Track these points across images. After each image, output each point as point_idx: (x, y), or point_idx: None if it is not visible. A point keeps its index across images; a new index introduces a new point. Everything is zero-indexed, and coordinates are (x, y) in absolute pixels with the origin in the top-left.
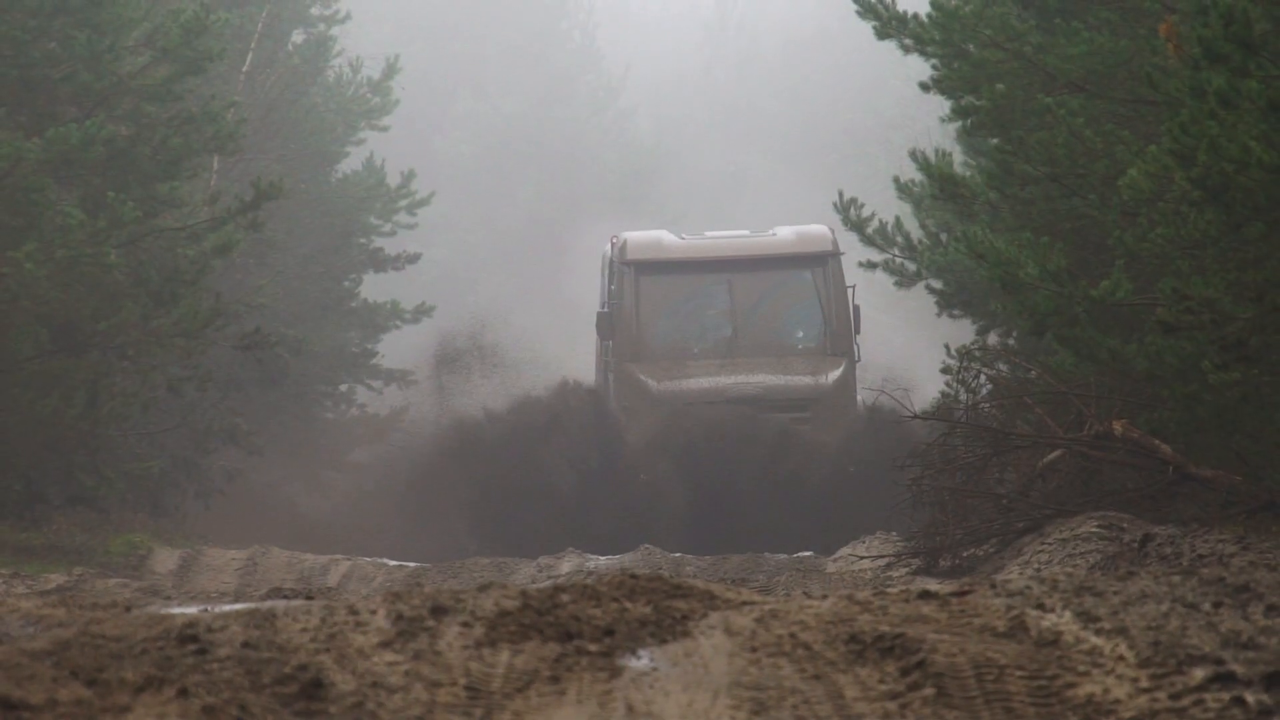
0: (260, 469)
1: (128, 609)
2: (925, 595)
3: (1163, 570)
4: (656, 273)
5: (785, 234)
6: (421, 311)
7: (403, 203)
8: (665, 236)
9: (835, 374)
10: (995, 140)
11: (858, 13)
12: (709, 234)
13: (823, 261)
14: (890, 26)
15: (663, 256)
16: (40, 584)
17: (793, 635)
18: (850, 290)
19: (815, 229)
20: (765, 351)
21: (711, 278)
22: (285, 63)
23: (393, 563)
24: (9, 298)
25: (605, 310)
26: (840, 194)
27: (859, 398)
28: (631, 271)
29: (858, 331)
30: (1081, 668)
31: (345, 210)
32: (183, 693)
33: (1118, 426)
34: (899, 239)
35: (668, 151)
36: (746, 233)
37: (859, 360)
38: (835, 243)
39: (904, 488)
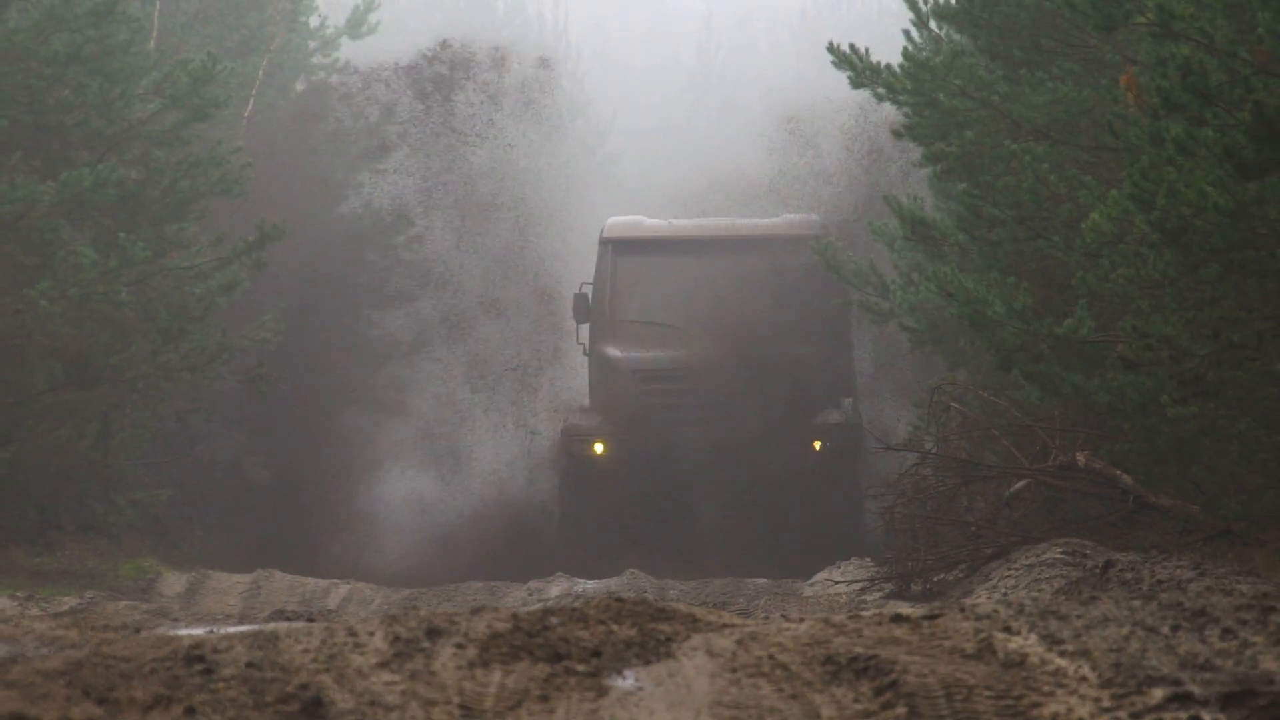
0: (264, 497)
1: (137, 630)
2: (898, 618)
3: (1124, 595)
4: (634, 252)
5: (771, 219)
6: (419, 345)
7: (399, 239)
8: (647, 219)
9: (801, 349)
10: (964, 185)
11: (833, 63)
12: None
13: (806, 244)
14: (864, 76)
15: (640, 235)
16: (54, 606)
17: (771, 656)
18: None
19: (805, 216)
20: (739, 331)
21: (690, 258)
22: (287, 109)
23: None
24: (24, 334)
25: (581, 292)
26: (817, 236)
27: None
28: (609, 250)
29: (845, 333)
30: (1046, 688)
31: (344, 249)
32: (189, 711)
33: (1081, 458)
34: (873, 278)
35: (654, 195)
36: (732, 219)
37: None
38: (823, 228)
39: (877, 515)
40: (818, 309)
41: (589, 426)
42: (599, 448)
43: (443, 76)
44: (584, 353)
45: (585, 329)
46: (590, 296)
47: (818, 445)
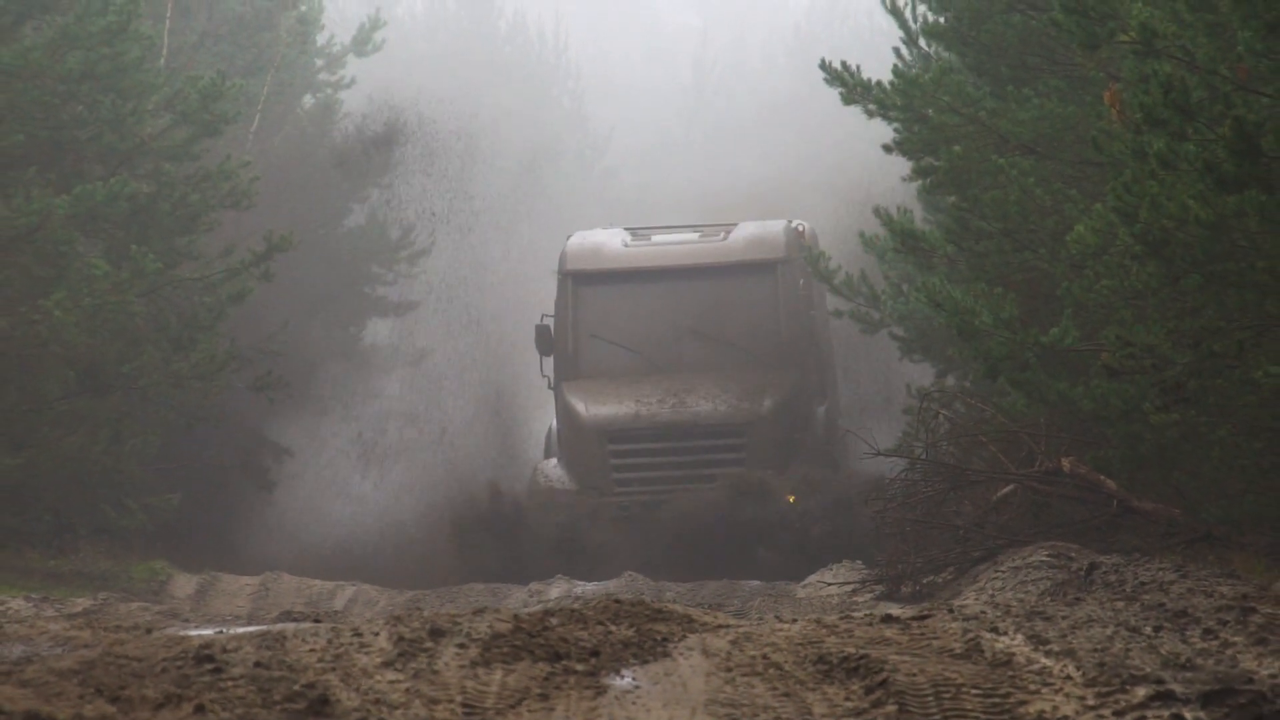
0: (272, 501)
1: (148, 631)
2: (888, 619)
3: (1108, 596)
4: (596, 283)
5: (735, 239)
6: (422, 355)
7: (404, 253)
8: (608, 244)
9: (775, 398)
10: (952, 198)
11: (826, 80)
12: (657, 238)
13: (772, 269)
14: (855, 93)
15: (603, 266)
16: (68, 608)
17: (765, 656)
18: (806, 287)
19: (770, 232)
20: (710, 367)
21: (655, 288)
22: (295, 124)
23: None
24: (39, 343)
25: (543, 324)
26: (809, 248)
27: (821, 410)
28: (570, 282)
29: (822, 336)
30: (1032, 686)
31: (350, 261)
32: (199, 709)
33: (1066, 463)
34: (864, 289)
35: (649, 208)
36: (696, 236)
37: (819, 369)
38: (792, 245)
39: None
40: (791, 334)
41: (556, 490)
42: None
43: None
44: (548, 386)
45: (549, 361)
46: (552, 329)
47: (792, 499)
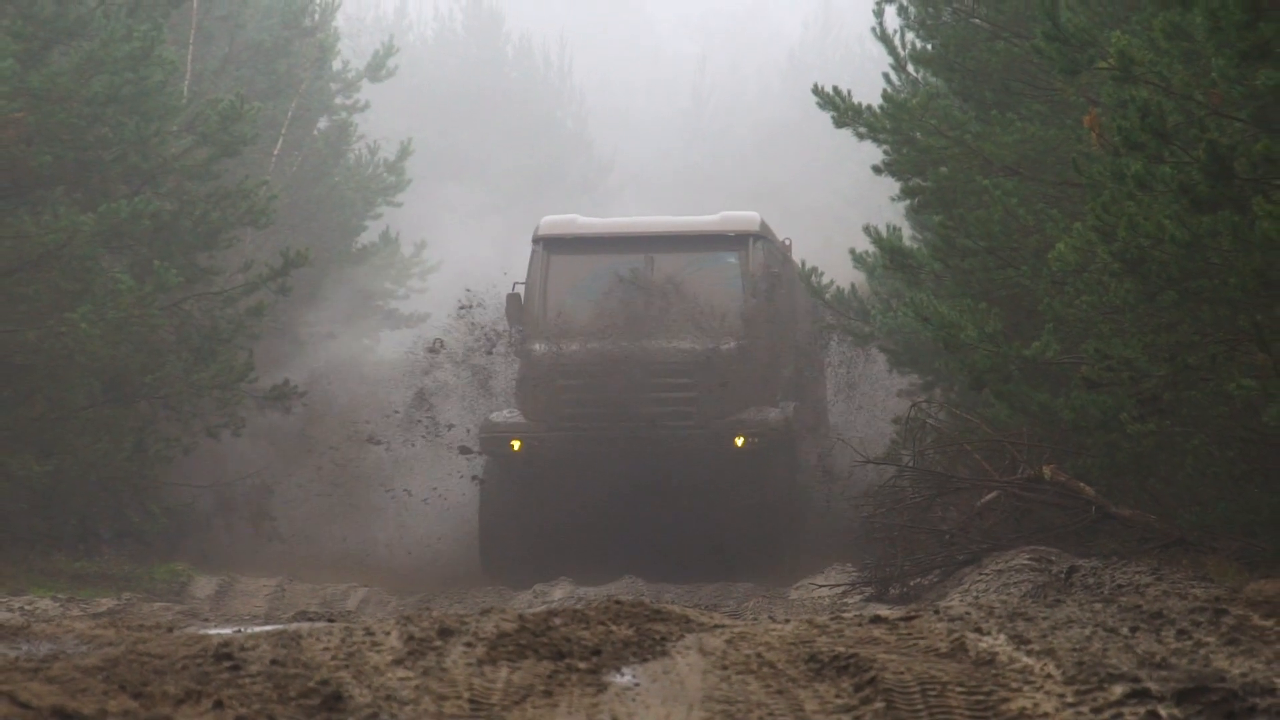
0: (289, 506)
1: (170, 630)
2: (876, 620)
3: (1086, 598)
4: (567, 250)
5: (711, 215)
6: (431, 365)
7: (415, 269)
8: (581, 217)
9: (732, 345)
10: (939, 217)
11: (818, 104)
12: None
13: (743, 243)
14: (847, 116)
15: (574, 233)
16: (92, 608)
17: (759, 655)
18: (786, 280)
19: (745, 213)
20: (667, 326)
21: (625, 257)
22: (311, 146)
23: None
24: (66, 354)
25: (514, 292)
26: (803, 263)
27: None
28: (542, 249)
29: (793, 322)
30: (1014, 685)
31: (364, 276)
32: (218, 705)
33: (1047, 471)
34: (854, 304)
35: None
36: (671, 217)
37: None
38: (767, 230)
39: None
40: (757, 307)
41: (507, 424)
42: (515, 445)
43: None
44: (514, 353)
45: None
46: (523, 297)
47: (740, 441)
